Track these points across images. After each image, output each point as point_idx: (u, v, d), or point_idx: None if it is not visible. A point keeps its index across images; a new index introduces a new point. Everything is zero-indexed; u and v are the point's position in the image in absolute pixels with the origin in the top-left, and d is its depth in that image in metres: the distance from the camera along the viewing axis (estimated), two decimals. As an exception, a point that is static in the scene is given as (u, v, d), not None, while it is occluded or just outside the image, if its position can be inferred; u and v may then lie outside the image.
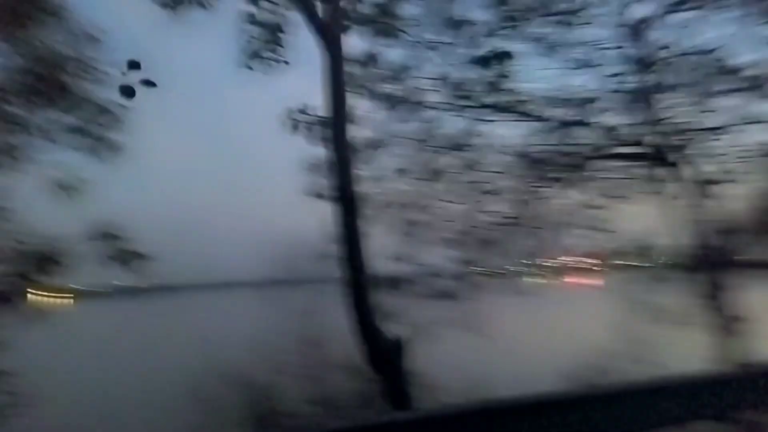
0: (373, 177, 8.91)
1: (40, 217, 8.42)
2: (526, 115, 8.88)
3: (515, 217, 9.03)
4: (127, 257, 8.46)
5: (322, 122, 7.03)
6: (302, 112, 7.53)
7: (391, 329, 7.74)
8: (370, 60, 8.61)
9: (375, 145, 8.89)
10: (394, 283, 8.82)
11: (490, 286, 9.12)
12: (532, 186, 8.97)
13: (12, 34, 7.61)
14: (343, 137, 6.00)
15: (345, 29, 7.22)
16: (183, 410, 8.67)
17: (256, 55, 7.78)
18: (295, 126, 7.52)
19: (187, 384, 8.94)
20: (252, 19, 7.72)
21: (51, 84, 7.90)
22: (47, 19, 7.74)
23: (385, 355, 4.70)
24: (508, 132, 8.93)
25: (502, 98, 8.74)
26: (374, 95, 8.78)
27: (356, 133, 8.84)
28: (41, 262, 8.20)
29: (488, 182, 9.08)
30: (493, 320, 9.09)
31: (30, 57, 7.85)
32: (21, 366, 8.34)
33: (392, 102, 8.84)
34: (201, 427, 8.12)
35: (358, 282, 4.88)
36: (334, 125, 6.12)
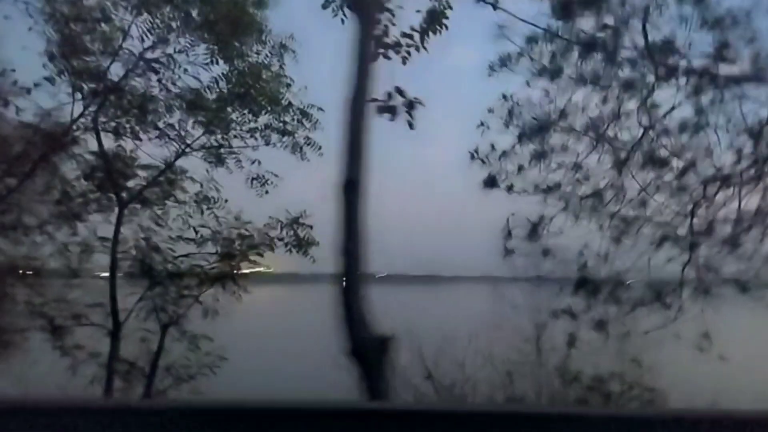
0: (574, 166, 8.00)
1: (244, 207, 9.48)
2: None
3: (759, 214, 7.23)
4: (307, 244, 9.25)
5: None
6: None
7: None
8: (551, 35, 7.45)
9: (571, 129, 7.84)
10: (597, 286, 7.97)
11: (723, 294, 7.57)
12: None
13: (226, 47, 8.68)
14: (360, 118, 4.99)
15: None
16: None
17: None
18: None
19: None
20: None
21: (255, 90, 8.89)
22: (251, 32, 8.65)
23: (365, 349, 4.40)
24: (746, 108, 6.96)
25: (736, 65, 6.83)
26: (567, 74, 7.62)
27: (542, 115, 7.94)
28: (246, 246, 9.27)
29: (722, 170, 7.38)
30: (719, 333, 7.55)
31: (238, 67, 8.88)
32: (222, 334, 9.48)
33: (589, 80, 7.58)
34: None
35: (350, 274, 4.54)
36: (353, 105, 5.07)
